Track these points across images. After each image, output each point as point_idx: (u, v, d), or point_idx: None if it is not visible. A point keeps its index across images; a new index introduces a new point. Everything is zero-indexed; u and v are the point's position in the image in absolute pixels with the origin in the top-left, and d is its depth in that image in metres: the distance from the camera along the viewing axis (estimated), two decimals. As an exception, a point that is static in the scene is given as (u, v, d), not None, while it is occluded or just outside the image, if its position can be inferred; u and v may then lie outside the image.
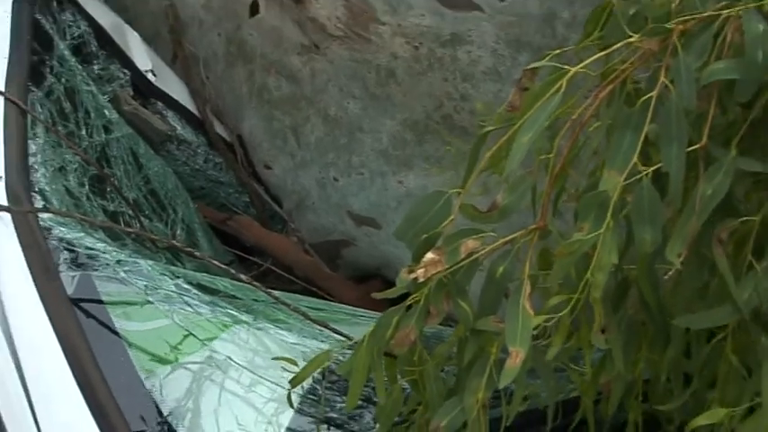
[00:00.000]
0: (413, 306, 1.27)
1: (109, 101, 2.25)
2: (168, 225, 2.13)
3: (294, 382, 1.43)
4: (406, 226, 1.33)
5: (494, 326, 1.25)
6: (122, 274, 1.81)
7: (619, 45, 1.26)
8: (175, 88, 2.44)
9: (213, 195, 2.37)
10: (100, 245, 1.86)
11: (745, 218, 1.23)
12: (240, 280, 1.97)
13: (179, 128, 2.36)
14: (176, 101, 2.40)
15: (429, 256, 1.25)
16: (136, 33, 2.46)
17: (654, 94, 1.17)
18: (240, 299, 1.89)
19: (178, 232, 2.14)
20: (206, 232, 2.24)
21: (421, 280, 1.24)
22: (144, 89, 2.35)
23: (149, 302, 1.82)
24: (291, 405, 1.58)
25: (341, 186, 2.25)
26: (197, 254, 2.04)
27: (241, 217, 2.34)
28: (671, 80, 1.19)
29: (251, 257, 2.29)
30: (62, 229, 1.84)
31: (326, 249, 2.32)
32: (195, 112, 2.42)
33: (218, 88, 2.48)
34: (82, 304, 1.74)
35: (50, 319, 1.68)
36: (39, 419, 1.62)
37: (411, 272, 1.25)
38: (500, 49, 2.00)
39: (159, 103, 2.37)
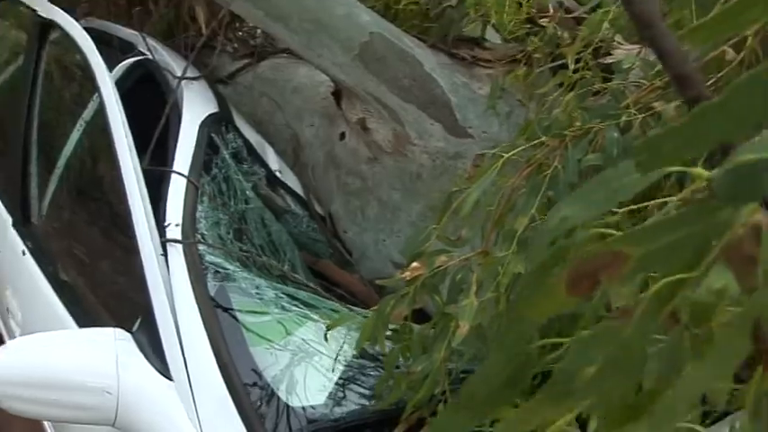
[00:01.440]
0: (404, 295, 1.29)
1: (251, 187, 2.24)
2: (280, 262, 2.07)
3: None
4: (406, 246, 1.36)
5: (454, 310, 1.22)
6: (244, 286, 1.84)
7: (535, 142, 1.29)
8: (292, 182, 2.38)
9: (310, 247, 2.28)
10: (234, 269, 1.86)
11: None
12: (321, 294, 2.00)
13: (293, 205, 2.31)
14: (293, 189, 2.35)
15: (415, 264, 1.27)
16: (271, 147, 2.43)
17: (549, 172, 1.20)
18: (317, 307, 1.86)
19: (286, 266, 2.07)
20: (304, 268, 2.17)
21: (408, 279, 1.27)
22: (273, 181, 2.31)
23: (259, 305, 1.86)
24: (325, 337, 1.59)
25: (387, 245, 2.19)
26: (296, 277, 2.07)
27: (326, 261, 2.28)
28: (563, 165, 1.22)
29: (330, 286, 2.21)
30: (211, 257, 1.82)
31: (377, 285, 2.27)
32: (304, 196, 2.36)
33: (318, 183, 2.42)
34: (219, 304, 1.77)
35: (200, 312, 1.70)
36: (190, 375, 1.65)
37: (404, 273, 1.28)
38: (485, 161, 1.98)
39: (282, 191, 2.33)
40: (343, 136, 2.34)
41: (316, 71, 2.45)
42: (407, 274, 1.24)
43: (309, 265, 2.22)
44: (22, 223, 2.62)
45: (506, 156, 1.26)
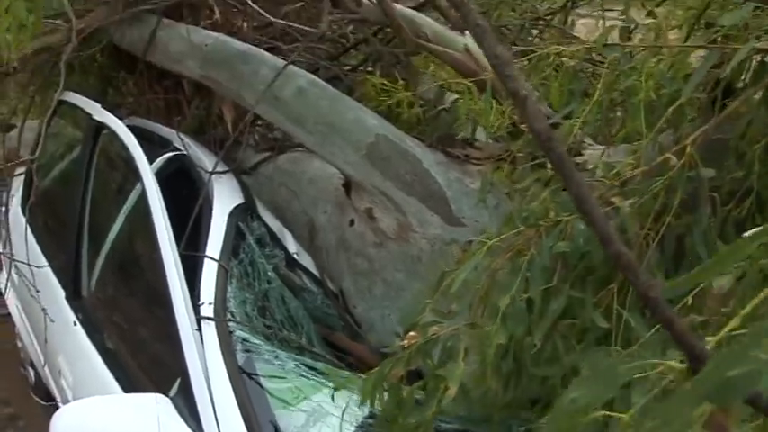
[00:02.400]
0: (400, 359, 1.37)
1: (272, 268, 2.30)
2: (298, 335, 2.12)
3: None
4: (404, 318, 1.44)
5: (444, 372, 1.29)
6: (267, 357, 1.91)
7: (514, 231, 1.39)
8: (308, 263, 2.44)
9: (324, 320, 2.31)
10: (258, 342, 1.93)
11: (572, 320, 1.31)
12: (334, 364, 2.06)
13: (309, 284, 2.36)
14: (308, 269, 2.40)
15: (411, 333, 1.35)
16: (289, 233, 2.51)
17: (527, 258, 1.29)
18: (330, 374, 1.89)
19: (303, 339, 2.13)
20: (319, 340, 2.21)
21: (406, 345, 1.35)
22: (291, 262, 2.37)
23: (281, 373, 1.92)
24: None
25: (392, 319, 2.23)
26: (312, 349, 2.14)
27: (339, 333, 2.31)
28: (538, 251, 1.31)
29: (343, 355, 2.24)
30: (239, 332, 1.90)
31: (383, 353, 2.28)
32: (318, 275, 2.41)
33: (331, 264, 2.46)
34: (246, 373, 1.82)
35: (230, 380, 1.76)
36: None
37: (401, 341, 1.36)
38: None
39: (299, 271, 2.38)
40: (352, 222, 2.42)
41: (328, 165, 2.54)
42: (405, 341, 1.33)
43: (324, 337, 2.27)
44: (74, 297, 2.72)
45: (490, 242, 1.36)
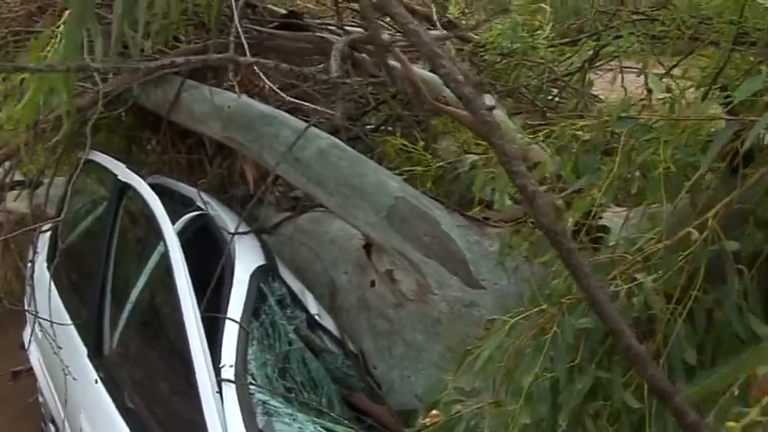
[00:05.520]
0: None
1: (293, 329, 2.28)
2: (318, 396, 2.11)
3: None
4: (425, 395, 1.42)
5: None
6: (287, 421, 1.89)
7: (537, 309, 1.37)
8: (329, 323, 2.42)
9: (345, 381, 2.29)
10: (278, 404, 1.92)
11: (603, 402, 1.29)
12: (353, 426, 2.03)
13: (329, 345, 2.34)
14: (329, 330, 2.38)
15: (433, 411, 1.33)
16: (310, 294, 2.49)
17: (549, 336, 1.27)
18: None
19: (323, 400, 2.11)
20: (339, 401, 2.19)
21: (429, 424, 1.32)
22: (312, 323, 2.35)
23: (301, 436, 1.89)
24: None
25: (412, 380, 2.21)
26: (332, 413, 2.10)
27: (359, 394, 2.29)
28: (561, 329, 1.28)
29: (362, 417, 2.22)
30: (260, 395, 1.88)
31: (403, 415, 2.23)
32: (338, 336, 2.39)
33: (352, 324, 2.46)
34: None
35: None
36: None
37: (424, 419, 1.33)
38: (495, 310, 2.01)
39: (320, 332, 2.36)
40: (373, 284, 2.42)
41: (349, 225, 2.53)
42: (427, 420, 1.31)
43: (345, 398, 2.25)
44: (95, 355, 2.70)
45: (513, 320, 1.34)
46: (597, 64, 3.01)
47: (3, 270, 3.86)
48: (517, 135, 2.14)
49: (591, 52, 2.88)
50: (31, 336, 3.29)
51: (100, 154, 3.08)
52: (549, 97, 3.00)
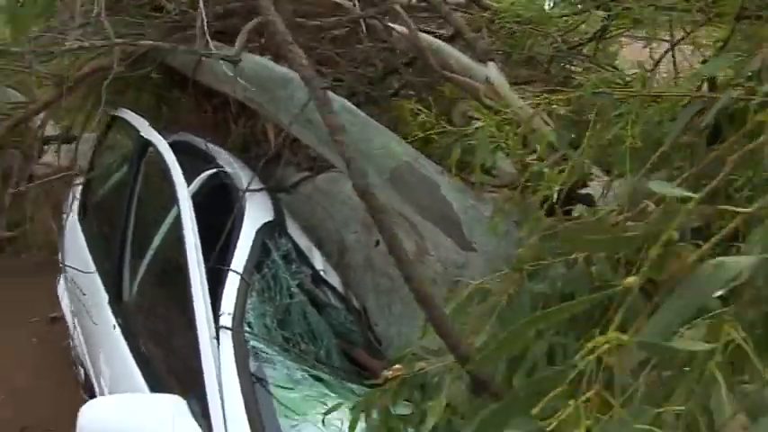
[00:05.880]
0: (386, 391, 1.41)
1: (297, 284, 2.35)
2: (317, 348, 2.20)
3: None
4: (394, 352, 1.48)
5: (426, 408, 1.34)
6: (279, 367, 1.99)
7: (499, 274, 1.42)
8: (334, 280, 2.50)
9: (346, 336, 2.37)
10: (273, 352, 2.02)
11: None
12: (343, 377, 2.12)
13: (333, 300, 2.42)
14: (333, 286, 2.47)
15: (396, 366, 1.41)
16: (318, 251, 2.57)
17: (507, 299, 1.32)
18: (337, 386, 2.02)
19: (322, 352, 2.21)
20: (339, 354, 2.28)
21: (390, 377, 1.40)
22: (317, 279, 2.44)
23: (290, 383, 2.00)
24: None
25: (409, 337, 2.19)
26: (323, 364, 2.19)
27: (359, 349, 2.36)
28: (517, 293, 1.34)
29: (361, 371, 2.27)
30: (254, 342, 2.00)
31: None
32: (343, 293, 2.47)
33: (358, 282, 2.53)
34: (257, 381, 1.92)
35: (241, 387, 1.87)
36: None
37: (387, 371, 1.41)
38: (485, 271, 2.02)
39: (324, 287, 2.44)
40: (377, 243, 2.49)
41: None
42: (390, 372, 1.39)
43: (345, 352, 2.33)
44: (115, 302, 2.85)
45: (474, 284, 1.40)
46: (612, 33, 3.00)
47: (40, 223, 4.06)
48: (518, 104, 2.18)
49: (603, 23, 2.88)
50: (62, 283, 3.47)
51: (127, 111, 3.20)
52: (563, 64, 3.01)
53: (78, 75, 2.85)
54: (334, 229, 2.75)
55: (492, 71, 2.30)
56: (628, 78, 1.76)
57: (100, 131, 3.43)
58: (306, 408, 1.89)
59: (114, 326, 2.73)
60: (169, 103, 3.53)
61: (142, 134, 2.91)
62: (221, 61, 2.80)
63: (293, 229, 2.58)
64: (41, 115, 3.47)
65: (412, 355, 1.44)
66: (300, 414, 1.87)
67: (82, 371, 3.88)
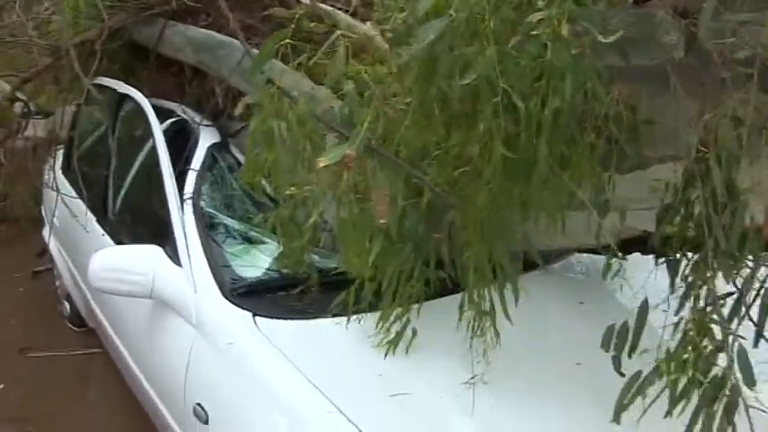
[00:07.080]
0: None
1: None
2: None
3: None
4: None
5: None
6: (226, 223, 2.90)
7: None
8: None
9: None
10: (220, 216, 2.96)
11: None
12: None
13: None
14: None
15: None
16: None
17: None
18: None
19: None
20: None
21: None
22: None
23: (233, 233, 2.90)
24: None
25: None
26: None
27: None
28: None
29: None
30: (207, 209, 2.93)
31: None
32: None
33: None
34: (209, 232, 2.84)
35: (199, 237, 2.85)
36: (192, 266, 2.71)
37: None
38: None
39: None
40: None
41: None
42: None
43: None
44: (103, 218, 3.75)
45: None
46: None
47: (21, 192, 4.79)
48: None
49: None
50: (50, 229, 4.26)
51: (104, 78, 4.03)
52: None
53: (72, 42, 3.66)
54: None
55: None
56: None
57: (81, 99, 4.20)
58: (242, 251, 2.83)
59: (103, 234, 3.60)
60: (135, 73, 4.31)
61: (118, 90, 3.77)
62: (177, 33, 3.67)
63: (235, 151, 3.46)
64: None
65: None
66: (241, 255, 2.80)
67: (67, 305, 4.69)
